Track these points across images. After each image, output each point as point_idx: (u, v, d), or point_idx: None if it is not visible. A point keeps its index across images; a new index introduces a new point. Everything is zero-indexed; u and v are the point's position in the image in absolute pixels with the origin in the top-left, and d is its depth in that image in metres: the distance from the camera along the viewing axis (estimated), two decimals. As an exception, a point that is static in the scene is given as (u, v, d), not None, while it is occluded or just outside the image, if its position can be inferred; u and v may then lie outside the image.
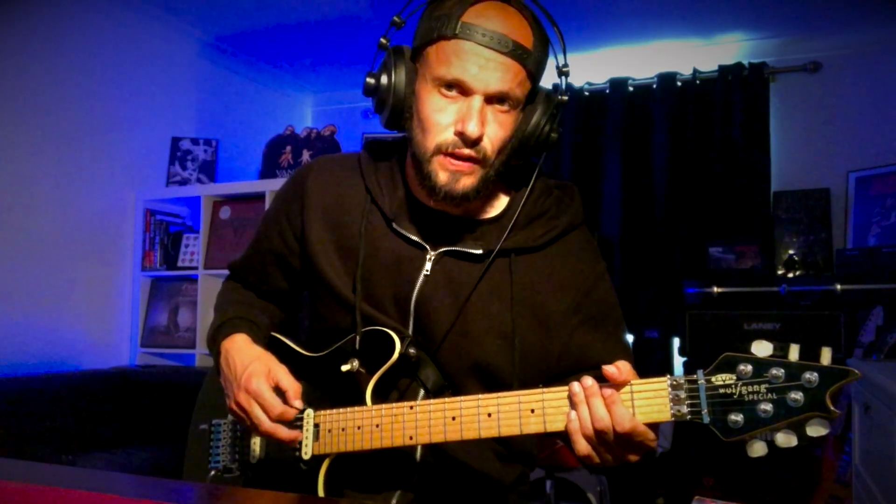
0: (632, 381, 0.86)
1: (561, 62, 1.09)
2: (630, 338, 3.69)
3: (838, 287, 2.95)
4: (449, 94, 1.00)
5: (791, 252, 3.46)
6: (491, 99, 1.00)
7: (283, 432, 1.03)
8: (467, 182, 1.02)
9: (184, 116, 3.74)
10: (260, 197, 3.38)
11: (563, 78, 1.10)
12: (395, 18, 1.07)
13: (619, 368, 0.86)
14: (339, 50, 3.93)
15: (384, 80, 1.06)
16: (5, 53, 2.88)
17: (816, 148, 3.62)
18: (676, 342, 3.45)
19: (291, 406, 1.02)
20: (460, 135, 1.00)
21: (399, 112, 1.06)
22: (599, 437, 0.87)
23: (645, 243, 3.78)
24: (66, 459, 2.54)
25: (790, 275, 3.28)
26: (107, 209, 3.32)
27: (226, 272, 1.36)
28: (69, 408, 2.77)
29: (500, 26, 0.99)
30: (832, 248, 3.45)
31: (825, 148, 3.59)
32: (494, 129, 1.02)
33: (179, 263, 3.49)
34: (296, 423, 1.07)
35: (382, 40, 1.08)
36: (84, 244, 3.19)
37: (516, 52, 0.99)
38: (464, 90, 1.00)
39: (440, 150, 1.01)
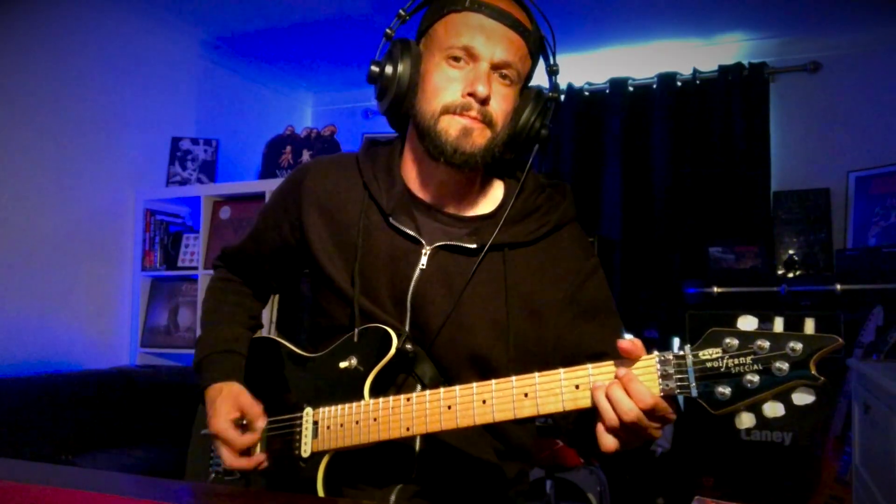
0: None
1: (551, 61, 1.15)
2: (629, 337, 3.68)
3: (838, 287, 2.95)
4: (457, 64, 1.06)
5: (791, 252, 3.46)
6: (496, 68, 1.06)
7: (244, 462, 1.10)
8: (477, 140, 1.06)
9: (184, 116, 3.74)
10: (260, 197, 3.38)
11: (553, 77, 1.15)
12: (401, 12, 1.13)
13: (633, 342, 0.87)
14: (339, 50, 3.92)
15: (389, 65, 1.10)
16: (5, 53, 2.88)
17: (816, 148, 3.62)
18: (676, 342, 3.45)
19: (254, 431, 1.10)
20: (470, 95, 1.05)
21: (402, 96, 1.09)
22: (626, 425, 0.85)
23: (645, 243, 3.78)
24: (66, 459, 2.54)
25: (790, 275, 3.28)
26: (107, 209, 3.32)
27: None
28: (69, 408, 2.77)
29: (505, 5, 1.08)
30: (832, 248, 3.45)
31: (825, 148, 3.59)
32: (498, 101, 1.07)
33: (179, 263, 3.49)
34: (294, 424, 1.08)
35: (388, 31, 1.12)
36: (84, 244, 3.19)
37: (519, 28, 1.07)
38: (472, 57, 1.06)
39: (447, 111, 1.06)
